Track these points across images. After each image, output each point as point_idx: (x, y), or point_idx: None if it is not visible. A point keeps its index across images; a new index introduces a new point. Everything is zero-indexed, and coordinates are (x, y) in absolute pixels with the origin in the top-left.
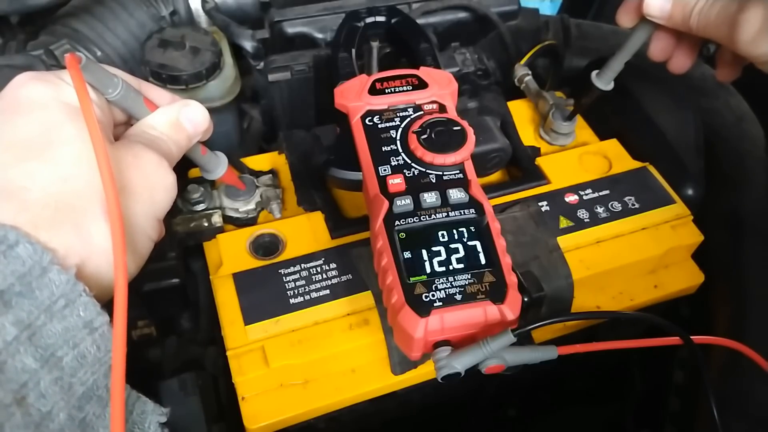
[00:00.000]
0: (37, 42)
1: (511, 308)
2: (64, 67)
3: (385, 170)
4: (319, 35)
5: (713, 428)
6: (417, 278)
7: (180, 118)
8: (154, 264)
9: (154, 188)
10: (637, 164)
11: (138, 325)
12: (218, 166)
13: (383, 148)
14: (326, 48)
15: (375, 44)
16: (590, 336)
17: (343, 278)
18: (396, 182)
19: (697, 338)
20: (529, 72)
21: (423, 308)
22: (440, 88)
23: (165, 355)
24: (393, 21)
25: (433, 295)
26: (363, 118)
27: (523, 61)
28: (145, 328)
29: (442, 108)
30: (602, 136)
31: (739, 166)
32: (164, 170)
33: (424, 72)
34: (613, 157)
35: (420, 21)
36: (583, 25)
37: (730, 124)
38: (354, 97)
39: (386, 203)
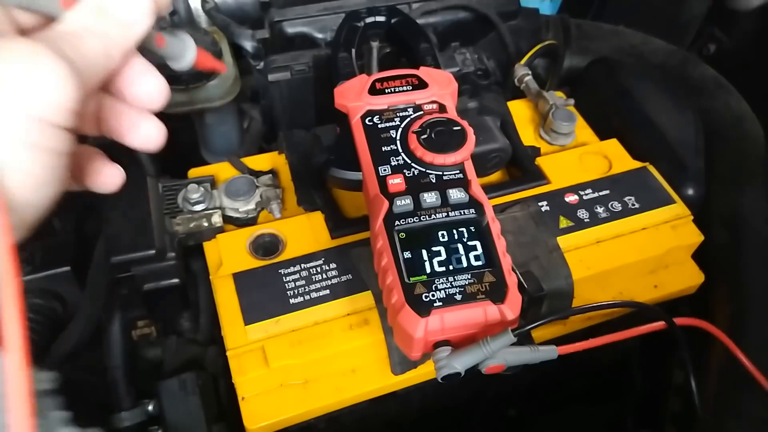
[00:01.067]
0: None
1: (511, 308)
2: None
3: (385, 170)
4: (319, 35)
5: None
6: (417, 278)
7: (102, 4)
8: (154, 264)
9: (22, 80)
10: (637, 164)
11: (138, 325)
12: (185, 51)
13: (383, 148)
14: (326, 48)
15: (375, 44)
16: (590, 337)
17: (343, 278)
18: (396, 182)
19: (679, 320)
20: (529, 72)
21: (423, 308)
22: (440, 88)
23: (165, 355)
24: (393, 21)
25: (433, 295)
26: (363, 118)
27: (523, 61)
28: (145, 328)
29: (442, 108)
30: (602, 136)
31: (739, 166)
32: (41, 58)
33: (424, 72)
34: (613, 157)
35: (420, 21)
36: (583, 25)
37: (730, 124)
38: (354, 97)
39: (386, 203)
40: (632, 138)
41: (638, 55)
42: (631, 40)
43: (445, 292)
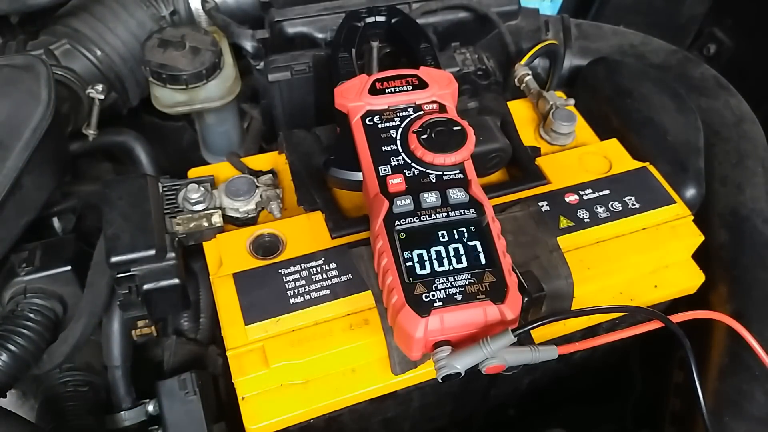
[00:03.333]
0: (37, 42)
1: (511, 308)
2: (64, 67)
3: (385, 170)
4: (319, 35)
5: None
6: (417, 278)
7: None
8: (154, 264)
9: None
10: (637, 164)
11: (138, 325)
12: None
13: (383, 148)
14: (326, 48)
15: (375, 44)
16: (590, 336)
17: (343, 278)
18: (396, 182)
19: (674, 316)
20: (529, 72)
21: (423, 308)
22: (440, 88)
23: (165, 355)
24: (393, 21)
25: (433, 295)
26: (363, 118)
27: (523, 61)
28: (145, 328)
29: (442, 108)
30: (602, 136)
31: (739, 166)
32: None
33: (424, 72)
34: (613, 157)
35: (420, 21)
36: (583, 25)
37: (730, 124)
38: (354, 97)
39: (386, 203)
40: (632, 138)
41: (638, 55)
42: (631, 40)
43: (445, 292)
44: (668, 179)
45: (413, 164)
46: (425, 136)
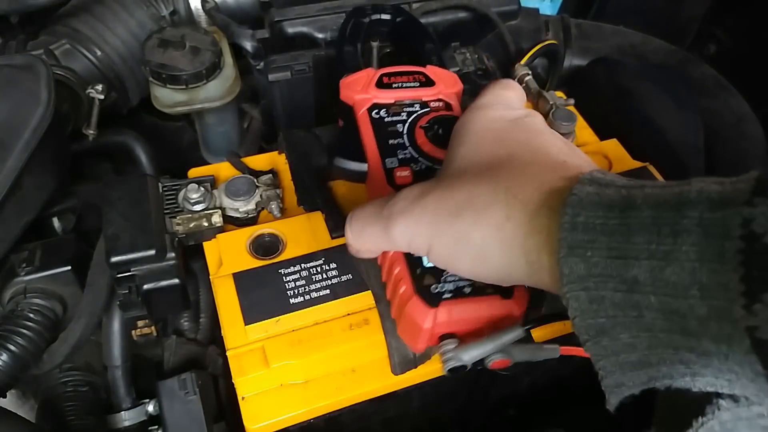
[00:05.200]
0: (37, 42)
1: (518, 304)
2: (64, 67)
3: (392, 162)
4: (319, 35)
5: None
6: (426, 270)
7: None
8: (154, 264)
9: None
10: (637, 164)
11: (138, 325)
12: None
13: (390, 141)
14: (326, 48)
15: (375, 44)
16: None
17: (343, 278)
18: (404, 174)
19: None
20: (529, 72)
21: (432, 299)
22: (446, 87)
23: (165, 355)
24: (397, 20)
25: (442, 287)
26: (369, 110)
27: (523, 61)
28: (145, 328)
29: (448, 107)
30: (602, 136)
31: (739, 166)
32: None
33: (431, 70)
34: (613, 157)
35: (420, 20)
36: (583, 25)
37: (730, 124)
38: (361, 89)
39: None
40: (632, 138)
41: (638, 55)
42: (631, 40)
43: (455, 284)
44: (668, 179)
45: (420, 159)
46: (432, 132)
